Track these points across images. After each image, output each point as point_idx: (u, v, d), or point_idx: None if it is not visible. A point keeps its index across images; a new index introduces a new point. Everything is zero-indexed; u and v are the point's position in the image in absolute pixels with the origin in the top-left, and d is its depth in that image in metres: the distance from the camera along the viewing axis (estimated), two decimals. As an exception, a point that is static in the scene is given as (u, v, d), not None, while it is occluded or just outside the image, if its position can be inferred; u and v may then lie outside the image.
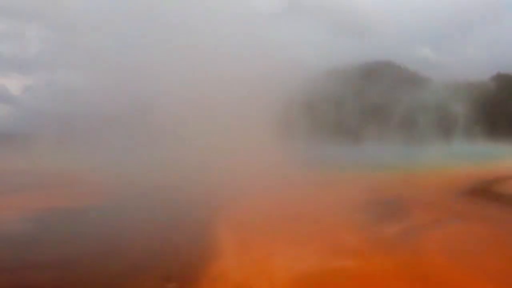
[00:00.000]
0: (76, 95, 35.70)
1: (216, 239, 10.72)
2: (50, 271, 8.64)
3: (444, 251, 9.69)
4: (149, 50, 31.85)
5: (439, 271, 8.40)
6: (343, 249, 9.93)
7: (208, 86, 28.06)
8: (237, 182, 19.11)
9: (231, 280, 7.84)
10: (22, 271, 8.58)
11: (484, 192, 18.63)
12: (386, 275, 8.04)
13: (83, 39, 35.18)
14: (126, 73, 31.99)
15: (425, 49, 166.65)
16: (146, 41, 31.67)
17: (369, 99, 67.81)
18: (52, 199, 17.48)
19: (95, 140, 34.19)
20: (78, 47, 35.32)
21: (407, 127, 60.36)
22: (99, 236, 11.89)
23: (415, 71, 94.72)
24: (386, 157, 35.89)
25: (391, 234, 11.44)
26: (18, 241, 11.12)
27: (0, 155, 33.59)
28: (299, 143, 36.30)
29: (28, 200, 17.26)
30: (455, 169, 30.07)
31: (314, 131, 43.57)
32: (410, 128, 60.77)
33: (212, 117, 27.07)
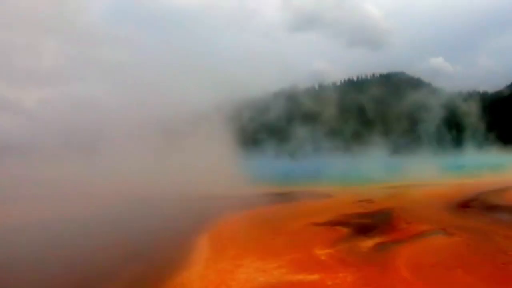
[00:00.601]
0: (91, 108, 35.93)
1: (188, 250, 11.21)
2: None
3: (413, 265, 9.65)
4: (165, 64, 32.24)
5: (400, 285, 8.45)
6: (311, 262, 10.08)
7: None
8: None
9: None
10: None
11: (481, 203, 18.32)
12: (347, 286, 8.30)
13: (99, 52, 35.43)
14: (141, 86, 32.38)
15: (438, 60, 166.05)
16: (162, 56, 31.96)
17: (383, 109, 67.33)
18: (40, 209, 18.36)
19: (108, 152, 34.44)
20: (94, 60, 35.51)
21: (418, 138, 59.80)
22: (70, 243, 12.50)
23: (428, 81, 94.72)
24: (390, 167, 35.26)
25: (366, 248, 11.46)
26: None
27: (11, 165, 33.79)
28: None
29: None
30: (460, 179, 29.56)
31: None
32: (421, 139, 60.25)
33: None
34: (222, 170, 24.70)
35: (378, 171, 33.06)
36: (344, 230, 13.80)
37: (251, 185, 26.78)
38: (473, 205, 17.69)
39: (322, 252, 10.94)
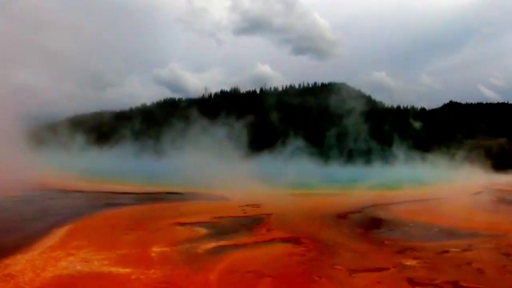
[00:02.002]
0: (29, 94, 35.02)
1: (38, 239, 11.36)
2: None
3: (229, 270, 9.38)
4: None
5: (194, 286, 8.30)
6: (137, 258, 10.06)
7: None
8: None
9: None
10: None
11: (361, 215, 18.49)
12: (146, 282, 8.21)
13: (39, 37, 34.50)
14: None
15: (381, 74, 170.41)
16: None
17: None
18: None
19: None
20: (33, 45, 34.49)
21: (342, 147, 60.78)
22: None
23: (368, 94, 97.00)
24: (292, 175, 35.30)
25: (203, 250, 11.20)
26: None
27: None
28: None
29: None
30: (366, 191, 29.26)
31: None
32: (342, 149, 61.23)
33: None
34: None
35: (291, 178, 32.41)
36: (202, 232, 13.51)
37: (143, 183, 26.86)
38: (351, 217, 17.24)
39: (157, 250, 10.81)
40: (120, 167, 41.63)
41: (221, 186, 26.46)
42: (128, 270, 8.91)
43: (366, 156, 56.92)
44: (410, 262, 10.13)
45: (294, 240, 12.56)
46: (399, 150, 54.99)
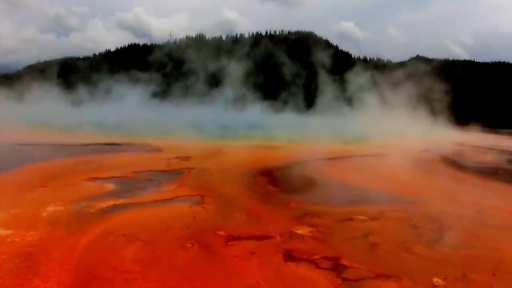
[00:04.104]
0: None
1: None
2: None
3: (104, 233, 8.98)
4: None
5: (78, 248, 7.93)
6: (22, 218, 9.65)
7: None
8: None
9: None
10: None
11: (285, 172, 18.18)
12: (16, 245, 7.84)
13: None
14: None
15: (349, 24, 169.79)
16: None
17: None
18: None
19: None
20: None
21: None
22: None
23: (335, 44, 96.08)
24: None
25: (94, 209, 10.74)
26: None
27: None
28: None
29: None
30: (310, 144, 28.67)
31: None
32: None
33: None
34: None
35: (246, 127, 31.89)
36: (109, 188, 13.05)
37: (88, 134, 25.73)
38: (276, 173, 16.87)
39: (51, 209, 10.42)
40: (71, 116, 39.99)
41: (162, 136, 25.45)
42: (9, 231, 8.53)
43: (324, 107, 55.91)
44: (302, 231, 9.48)
45: (196, 200, 12.11)
46: (361, 103, 54.13)
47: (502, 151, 33.40)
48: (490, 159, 27.55)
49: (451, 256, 8.45)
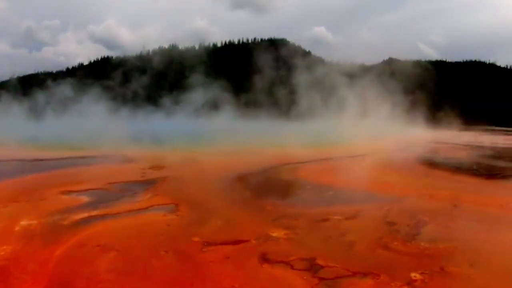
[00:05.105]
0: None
1: None
2: None
3: (80, 245, 8.84)
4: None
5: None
6: None
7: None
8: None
9: None
10: None
11: (261, 177, 18.13)
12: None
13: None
14: None
15: (320, 29, 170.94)
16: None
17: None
18: None
19: None
20: None
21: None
22: None
23: (308, 50, 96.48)
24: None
25: (69, 221, 10.66)
26: None
27: None
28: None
29: None
30: (286, 147, 28.37)
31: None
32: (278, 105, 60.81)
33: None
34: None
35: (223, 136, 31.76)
36: (83, 200, 12.85)
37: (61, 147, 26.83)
38: (251, 178, 16.75)
39: (25, 223, 10.25)
40: (40, 130, 39.45)
41: (135, 147, 25.27)
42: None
43: (301, 111, 56.10)
44: (277, 233, 9.41)
45: (171, 208, 12.02)
46: (335, 107, 54.40)
47: (476, 147, 33.69)
48: (464, 155, 27.68)
49: (428, 250, 8.44)
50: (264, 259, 7.93)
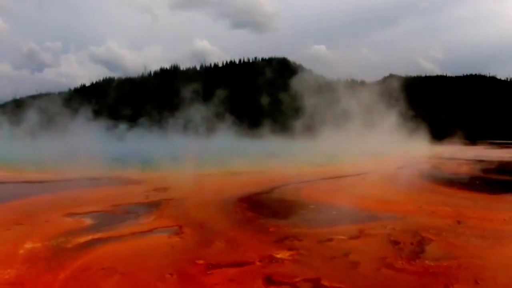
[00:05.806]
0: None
1: None
2: None
3: (84, 268, 8.78)
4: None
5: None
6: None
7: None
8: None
9: None
10: None
11: (266, 198, 17.86)
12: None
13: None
14: None
15: (320, 47, 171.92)
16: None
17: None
18: None
19: None
20: None
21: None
22: None
23: (309, 68, 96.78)
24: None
25: (73, 244, 10.59)
26: None
27: None
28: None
29: None
30: (290, 167, 28.47)
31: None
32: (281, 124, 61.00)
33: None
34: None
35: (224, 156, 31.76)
36: (87, 223, 12.80)
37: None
38: (255, 199, 16.77)
39: (29, 246, 10.16)
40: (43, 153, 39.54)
41: (138, 168, 25.27)
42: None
43: (303, 130, 56.21)
44: (281, 255, 9.39)
45: (175, 230, 11.97)
46: (338, 124, 54.49)
47: (478, 161, 33.69)
48: (466, 169, 27.67)
49: (433, 268, 8.44)
50: (269, 280, 7.90)
